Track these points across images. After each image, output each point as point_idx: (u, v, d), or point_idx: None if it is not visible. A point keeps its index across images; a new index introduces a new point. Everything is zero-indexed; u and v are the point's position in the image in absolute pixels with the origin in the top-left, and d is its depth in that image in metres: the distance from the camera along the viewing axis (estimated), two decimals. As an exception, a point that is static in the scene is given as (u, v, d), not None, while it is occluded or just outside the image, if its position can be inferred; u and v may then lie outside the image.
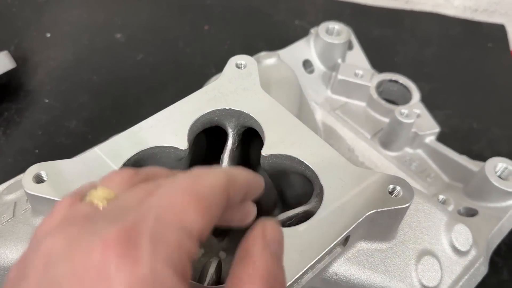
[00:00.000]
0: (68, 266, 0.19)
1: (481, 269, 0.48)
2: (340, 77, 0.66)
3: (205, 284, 0.36)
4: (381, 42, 0.87)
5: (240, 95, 0.45)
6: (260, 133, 0.43)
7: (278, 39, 0.80)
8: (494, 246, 0.52)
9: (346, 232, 0.36)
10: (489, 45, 0.88)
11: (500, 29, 0.91)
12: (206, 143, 0.54)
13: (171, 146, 0.41)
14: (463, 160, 0.60)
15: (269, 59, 0.58)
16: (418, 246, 0.43)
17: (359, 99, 0.68)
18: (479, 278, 0.48)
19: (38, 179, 0.37)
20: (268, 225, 0.25)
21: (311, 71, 0.68)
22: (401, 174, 0.60)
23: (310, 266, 0.34)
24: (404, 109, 0.59)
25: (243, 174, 0.27)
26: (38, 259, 0.20)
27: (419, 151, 0.63)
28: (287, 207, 0.50)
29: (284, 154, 0.41)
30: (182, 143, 0.41)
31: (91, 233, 0.20)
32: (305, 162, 0.40)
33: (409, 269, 0.42)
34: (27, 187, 0.37)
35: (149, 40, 0.79)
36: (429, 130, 0.62)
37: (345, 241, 0.38)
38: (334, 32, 0.67)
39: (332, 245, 0.35)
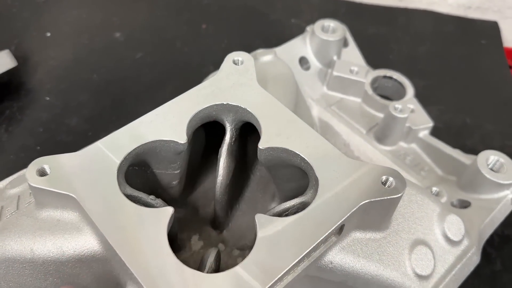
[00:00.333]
0: None
1: (473, 259, 0.49)
2: (335, 73, 0.67)
3: (205, 272, 0.37)
4: (376, 39, 0.88)
5: (237, 90, 0.46)
6: (257, 127, 0.45)
7: (275, 38, 0.81)
8: (486, 236, 0.53)
9: (341, 221, 0.37)
10: (482, 42, 0.90)
11: (493, 26, 0.93)
12: (205, 138, 0.55)
13: (170, 140, 0.42)
14: (456, 153, 0.61)
15: (266, 56, 0.59)
16: (411, 236, 0.44)
17: (355, 95, 0.69)
18: (471, 268, 0.49)
19: (41, 173, 0.38)
20: None
21: (307, 68, 0.69)
22: (395, 168, 0.61)
23: (306, 254, 0.36)
24: (398, 104, 0.60)
25: None
26: None
27: (413, 145, 0.64)
28: (284, 200, 0.52)
29: (280, 147, 0.42)
30: (181, 137, 0.42)
31: None
32: (300, 154, 0.41)
33: (403, 258, 0.43)
34: (31, 180, 0.38)
35: (147, 40, 0.80)
36: (423, 125, 0.63)
37: (340, 230, 0.39)
38: (329, 29, 0.68)
39: (326, 234, 0.37)
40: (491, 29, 0.92)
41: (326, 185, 0.39)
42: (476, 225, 0.52)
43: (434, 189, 0.57)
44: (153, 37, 0.81)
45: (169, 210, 0.37)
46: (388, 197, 0.39)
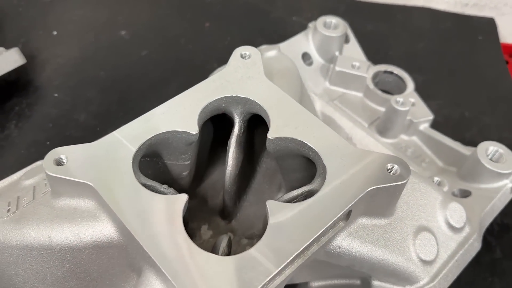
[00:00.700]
0: None
1: (475, 245, 0.50)
2: (338, 68, 0.69)
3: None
4: (375, 36, 0.90)
5: (245, 83, 0.47)
6: (265, 119, 0.46)
7: (277, 35, 0.83)
8: (487, 224, 0.55)
9: (348, 207, 0.39)
10: (479, 37, 0.92)
11: (489, 22, 0.95)
12: (213, 132, 0.56)
13: (182, 131, 0.43)
14: (456, 145, 0.63)
15: (270, 52, 0.61)
16: (415, 223, 0.46)
17: (356, 90, 0.70)
18: (473, 254, 0.50)
19: (58, 162, 0.39)
20: None
21: (310, 64, 0.71)
22: (397, 160, 0.63)
23: (316, 238, 0.37)
24: (399, 98, 0.62)
25: None
26: None
27: (414, 138, 0.66)
28: (290, 190, 0.53)
29: (289, 137, 0.43)
30: (192, 128, 0.43)
31: None
32: (308, 144, 0.43)
33: (407, 244, 0.45)
34: (48, 169, 0.39)
35: (152, 38, 0.82)
36: (423, 118, 0.65)
37: (347, 216, 0.41)
38: (331, 25, 0.70)
39: (335, 218, 0.38)
40: (488, 25, 0.94)
41: (333, 173, 0.41)
42: (477, 213, 0.53)
43: (436, 179, 0.59)
44: (157, 35, 0.82)
45: (184, 197, 0.38)
46: (394, 184, 0.40)
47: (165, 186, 0.42)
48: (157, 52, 0.79)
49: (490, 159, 0.57)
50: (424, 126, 0.65)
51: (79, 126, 0.66)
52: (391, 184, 0.40)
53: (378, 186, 0.40)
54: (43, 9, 0.84)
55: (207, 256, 0.35)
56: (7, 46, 0.67)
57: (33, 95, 0.69)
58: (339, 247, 0.42)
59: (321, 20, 0.70)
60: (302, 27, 0.80)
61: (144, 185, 0.40)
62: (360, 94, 0.70)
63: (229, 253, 0.42)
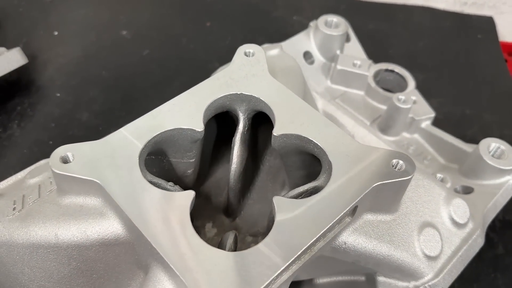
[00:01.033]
0: None
1: (478, 241, 0.51)
2: (339, 67, 0.69)
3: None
4: (376, 35, 0.90)
5: (250, 80, 0.47)
6: (270, 116, 0.46)
7: (278, 34, 0.83)
8: (489, 220, 0.55)
9: (354, 203, 0.39)
10: (479, 36, 0.92)
11: (488, 21, 0.95)
12: (216, 130, 0.56)
13: (188, 128, 0.43)
14: (457, 142, 0.63)
15: (273, 50, 0.61)
16: (419, 219, 0.46)
17: (358, 88, 0.71)
18: (476, 249, 0.51)
19: (65, 160, 0.39)
20: None
21: (311, 62, 0.71)
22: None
23: (323, 233, 0.37)
24: (401, 96, 0.62)
25: None
26: None
27: (416, 136, 0.66)
28: (294, 187, 0.53)
29: (294, 134, 0.44)
30: (198, 125, 0.43)
31: None
32: (314, 140, 0.43)
33: (412, 240, 0.45)
34: (55, 167, 0.39)
35: (154, 37, 0.82)
36: (425, 115, 0.65)
37: (353, 212, 0.41)
38: (332, 24, 0.70)
39: (341, 214, 0.38)
40: (487, 24, 0.95)
41: (339, 169, 0.41)
42: (479, 209, 0.53)
43: (439, 175, 0.59)
44: (159, 35, 0.83)
45: (191, 193, 0.38)
46: (399, 179, 0.40)
47: (170, 183, 0.43)
48: (159, 52, 0.79)
49: (492, 156, 0.57)
50: (426, 124, 0.65)
51: (81, 125, 0.66)
52: (397, 179, 0.40)
53: (384, 182, 0.40)
54: (44, 9, 0.84)
55: (215, 252, 0.35)
56: (9, 46, 0.67)
57: (35, 95, 0.69)
58: (345, 243, 0.42)
59: (323, 19, 0.70)
60: (302, 26, 0.80)
61: (150, 183, 0.40)
62: (361, 93, 0.71)
63: (235, 249, 0.42)
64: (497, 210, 0.56)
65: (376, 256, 0.43)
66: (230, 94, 0.46)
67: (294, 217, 0.37)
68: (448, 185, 0.58)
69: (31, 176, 0.47)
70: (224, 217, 0.54)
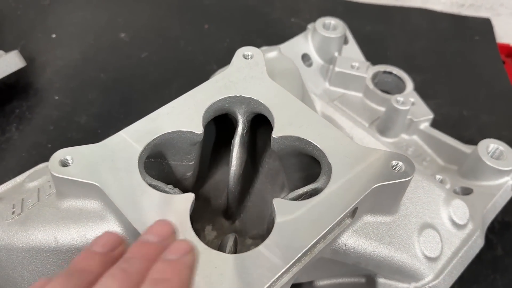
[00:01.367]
0: None
1: (478, 242, 0.51)
2: (337, 69, 0.69)
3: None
4: (373, 37, 0.90)
5: (249, 83, 0.47)
6: (269, 118, 0.46)
7: (275, 36, 0.83)
8: (489, 221, 0.55)
9: (355, 204, 0.39)
10: (476, 38, 0.93)
11: (486, 22, 0.96)
12: (215, 134, 0.56)
13: (187, 131, 0.43)
14: (456, 143, 0.63)
15: (271, 53, 0.61)
16: (419, 220, 0.46)
17: (356, 90, 0.71)
18: (476, 250, 0.51)
19: (64, 163, 0.39)
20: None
21: (310, 65, 0.71)
22: (398, 159, 0.63)
23: (323, 235, 0.37)
24: (400, 97, 0.62)
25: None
26: None
27: (415, 137, 0.67)
28: (293, 189, 0.53)
29: (293, 136, 0.44)
30: (197, 127, 0.43)
31: None
32: (313, 142, 0.43)
33: (412, 241, 0.45)
34: (54, 170, 0.39)
35: (152, 39, 0.82)
36: (423, 117, 0.65)
37: (353, 213, 0.41)
38: (330, 26, 0.70)
39: (342, 215, 0.38)
40: (484, 25, 0.95)
41: (339, 171, 0.41)
42: (479, 210, 0.54)
43: (438, 177, 0.59)
44: (157, 37, 0.83)
45: (191, 196, 0.38)
46: (398, 181, 0.41)
47: (170, 186, 0.42)
48: (157, 54, 0.79)
49: (491, 157, 0.57)
50: (425, 125, 0.65)
51: (80, 128, 0.66)
52: (396, 181, 0.40)
53: (383, 183, 0.40)
54: (42, 11, 0.84)
55: (216, 254, 0.35)
56: (7, 49, 0.67)
57: (33, 97, 0.69)
58: (345, 245, 0.42)
59: (320, 21, 0.70)
60: (300, 29, 0.80)
61: (150, 185, 0.40)
62: (360, 94, 0.71)
63: (235, 252, 0.42)
64: (496, 210, 0.56)
65: (377, 258, 0.43)
66: (229, 97, 0.47)
67: (294, 219, 0.37)
68: (447, 186, 0.58)
69: (30, 180, 0.47)
70: (223, 220, 0.54)
